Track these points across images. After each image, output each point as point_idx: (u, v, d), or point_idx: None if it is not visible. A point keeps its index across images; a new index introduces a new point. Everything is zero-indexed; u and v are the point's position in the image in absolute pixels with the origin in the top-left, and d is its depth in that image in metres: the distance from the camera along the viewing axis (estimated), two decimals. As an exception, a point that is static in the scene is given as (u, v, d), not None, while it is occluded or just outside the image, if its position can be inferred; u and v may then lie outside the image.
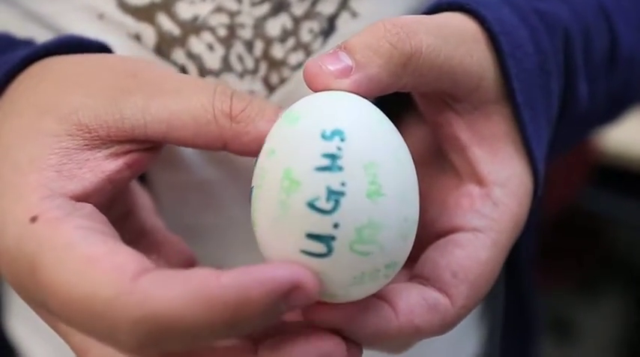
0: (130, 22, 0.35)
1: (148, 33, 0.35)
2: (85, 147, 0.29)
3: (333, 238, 0.26)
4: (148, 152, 0.31)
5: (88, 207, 0.28)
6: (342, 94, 0.28)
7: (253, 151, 0.29)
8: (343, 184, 0.26)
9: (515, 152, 0.33)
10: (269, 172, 0.27)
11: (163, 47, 0.35)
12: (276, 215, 0.27)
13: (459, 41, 0.31)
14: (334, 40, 0.36)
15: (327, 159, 0.26)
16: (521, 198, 0.32)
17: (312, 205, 0.26)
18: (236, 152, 0.30)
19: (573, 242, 1.22)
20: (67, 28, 0.36)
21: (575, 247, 1.24)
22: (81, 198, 0.28)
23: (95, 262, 0.25)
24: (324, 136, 0.26)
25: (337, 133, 0.26)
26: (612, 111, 0.49)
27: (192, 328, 0.24)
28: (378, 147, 0.27)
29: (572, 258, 1.25)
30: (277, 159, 0.27)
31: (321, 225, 0.26)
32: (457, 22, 0.32)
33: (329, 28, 0.36)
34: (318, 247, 0.26)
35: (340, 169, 0.26)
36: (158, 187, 0.37)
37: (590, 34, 0.38)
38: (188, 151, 0.37)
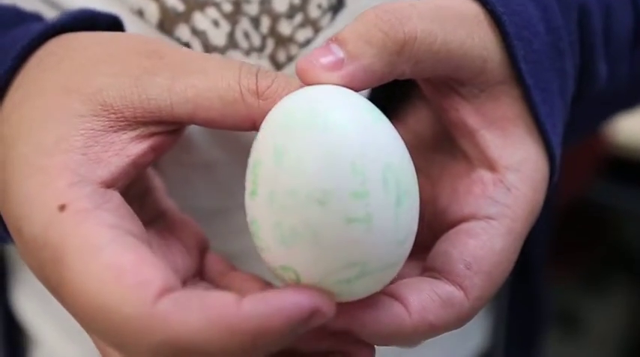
0: None
1: (151, 8, 0.34)
2: (111, 129, 0.28)
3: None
4: (172, 134, 0.30)
5: (116, 197, 0.28)
6: (309, 89, 0.28)
7: None
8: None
9: (528, 135, 0.31)
10: None
11: (167, 23, 0.35)
12: None
13: (457, 24, 0.30)
14: (343, 16, 0.35)
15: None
16: (537, 183, 0.31)
17: None
18: None
19: (581, 235, 1.21)
20: (65, 3, 0.35)
21: (583, 239, 1.24)
22: (109, 184, 0.28)
23: (121, 274, 0.25)
24: None
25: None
26: (638, 92, 0.47)
27: (210, 354, 0.24)
28: (267, 146, 0.27)
29: (579, 251, 1.24)
30: None
31: None
32: (457, 3, 0.30)
33: (338, 3, 0.35)
34: None
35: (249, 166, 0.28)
36: (164, 167, 0.36)
37: (612, 11, 0.36)
38: (193, 131, 0.36)
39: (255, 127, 0.29)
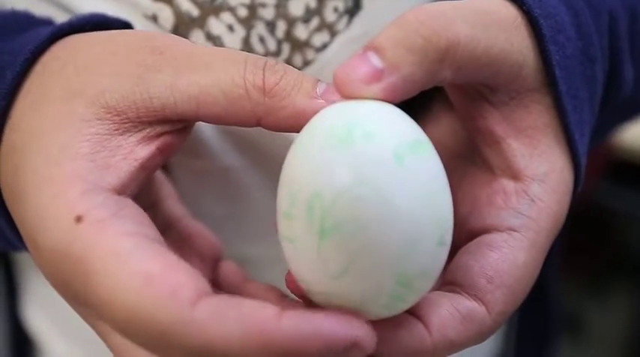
0: (145, 2, 0.34)
1: (165, 13, 0.34)
2: (116, 132, 0.28)
3: None
4: (179, 134, 0.29)
5: (130, 204, 0.27)
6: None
7: (290, 126, 0.28)
8: None
9: (557, 144, 0.31)
10: None
11: (181, 29, 0.34)
12: None
13: (498, 28, 0.28)
14: (360, 18, 0.35)
15: None
16: (561, 195, 0.30)
17: None
18: (271, 128, 0.28)
19: (585, 237, 1.21)
20: (78, 8, 0.35)
21: (587, 242, 1.23)
22: (119, 190, 0.27)
23: (153, 282, 0.24)
24: None
25: None
26: None
27: None
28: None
29: (583, 253, 1.23)
30: None
31: None
32: (495, 6, 0.29)
33: (354, 6, 0.35)
34: None
35: None
36: (176, 173, 0.36)
37: (637, 15, 0.36)
38: (210, 136, 0.36)
39: (260, 123, 0.28)
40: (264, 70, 0.28)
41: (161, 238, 0.27)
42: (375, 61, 0.26)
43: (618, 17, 0.34)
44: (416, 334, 0.27)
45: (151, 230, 0.27)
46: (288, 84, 0.28)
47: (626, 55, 0.35)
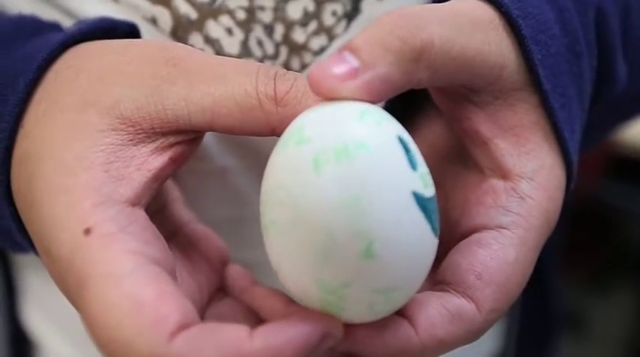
0: (145, 4, 0.34)
1: (164, 16, 0.34)
2: (130, 142, 0.28)
3: None
4: (191, 143, 0.30)
5: (141, 218, 0.28)
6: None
7: None
8: None
9: (545, 142, 0.31)
10: None
11: (180, 31, 0.34)
12: None
13: (474, 29, 0.28)
14: (358, 23, 0.35)
15: None
16: (552, 191, 0.30)
17: None
18: None
19: (586, 234, 1.20)
20: (80, 11, 0.35)
21: (588, 239, 1.23)
22: (134, 202, 0.28)
23: (140, 308, 0.25)
24: None
25: None
26: None
27: None
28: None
29: (583, 251, 1.23)
30: None
31: None
32: (471, 8, 0.29)
33: (353, 10, 0.35)
34: None
35: None
36: (176, 176, 0.36)
37: (629, 10, 0.36)
38: (206, 138, 0.36)
39: (274, 133, 0.28)
40: (275, 79, 0.28)
41: (166, 256, 0.28)
42: (351, 60, 0.26)
43: (608, 13, 0.34)
44: (401, 333, 0.27)
45: (155, 248, 0.27)
46: (299, 91, 0.28)
47: (618, 50, 0.35)
